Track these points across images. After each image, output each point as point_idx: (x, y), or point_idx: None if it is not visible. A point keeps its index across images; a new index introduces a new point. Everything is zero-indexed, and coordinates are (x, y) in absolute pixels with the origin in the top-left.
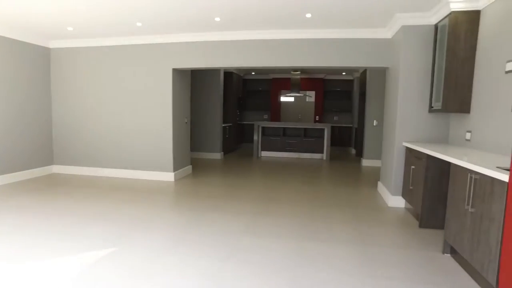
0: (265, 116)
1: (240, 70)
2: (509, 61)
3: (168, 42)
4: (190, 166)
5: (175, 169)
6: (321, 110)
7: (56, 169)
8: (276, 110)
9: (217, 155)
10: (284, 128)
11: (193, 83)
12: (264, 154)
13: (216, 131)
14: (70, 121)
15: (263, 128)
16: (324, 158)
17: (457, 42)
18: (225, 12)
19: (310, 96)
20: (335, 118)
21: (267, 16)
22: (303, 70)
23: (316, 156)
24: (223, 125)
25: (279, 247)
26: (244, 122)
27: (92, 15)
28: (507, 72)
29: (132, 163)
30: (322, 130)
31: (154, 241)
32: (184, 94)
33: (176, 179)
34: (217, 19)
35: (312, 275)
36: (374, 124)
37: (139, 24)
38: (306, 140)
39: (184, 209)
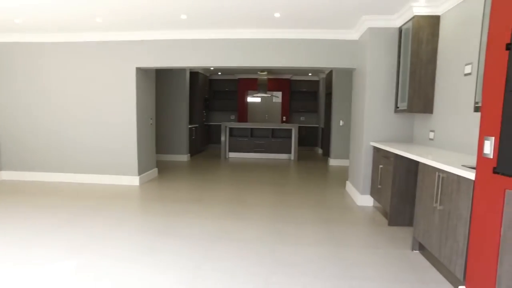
0: (232, 117)
1: (206, 70)
2: (467, 64)
3: (132, 39)
4: (156, 169)
5: (140, 172)
6: (288, 110)
7: (4, 175)
8: (243, 111)
9: (184, 157)
10: (252, 129)
11: (158, 83)
12: (232, 155)
13: (182, 132)
14: (19, 122)
15: (230, 129)
16: (292, 158)
17: (420, 45)
18: (192, 10)
19: (277, 97)
20: (302, 118)
21: (235, 15)
22: (269, 71)
23: (284, 156)
24: (189, 126)
25: (250, 252)
26: (211, 123)
27: (44, 8)
28: (465, 74)
29: (93, 167)
30: (290, 130)
31: (119, 250)
32: (148, 94)
33: (141, 183)
34: (184, 17)
35: (284, 279)
36: (341, 124)
37: (99, 20)
38: (274, 140)
39: (151, 215)
